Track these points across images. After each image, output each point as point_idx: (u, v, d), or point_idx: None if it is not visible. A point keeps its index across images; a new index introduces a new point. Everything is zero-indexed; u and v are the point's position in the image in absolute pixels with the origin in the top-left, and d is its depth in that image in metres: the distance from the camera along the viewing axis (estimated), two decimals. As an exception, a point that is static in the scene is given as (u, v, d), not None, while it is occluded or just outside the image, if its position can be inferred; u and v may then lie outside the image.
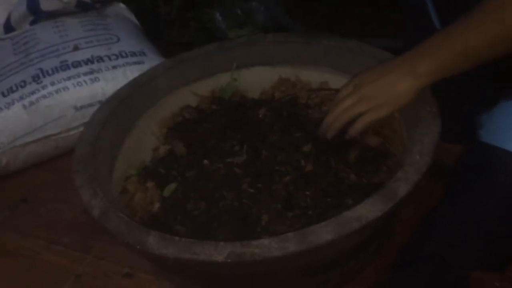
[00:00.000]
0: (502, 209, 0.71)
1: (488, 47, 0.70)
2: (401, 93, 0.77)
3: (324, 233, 0.69)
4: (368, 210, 0.71)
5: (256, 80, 1.13)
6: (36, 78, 1.29)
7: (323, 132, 0.88)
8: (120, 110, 0.99)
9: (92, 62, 1.33)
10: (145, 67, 1.27)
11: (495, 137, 0.71)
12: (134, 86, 1.04)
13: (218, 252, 0.69)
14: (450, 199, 0.77)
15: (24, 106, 1.26)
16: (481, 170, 0.72)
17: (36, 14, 1.42)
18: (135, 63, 1.35)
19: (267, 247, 0.68)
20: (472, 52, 0.71)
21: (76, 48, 1.35)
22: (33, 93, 1.27)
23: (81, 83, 1.30)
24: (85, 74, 1.31)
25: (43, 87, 1.28)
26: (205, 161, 0.96)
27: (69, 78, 1.30)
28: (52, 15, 1.44)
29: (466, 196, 0.74)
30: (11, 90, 1.28)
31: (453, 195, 0.76)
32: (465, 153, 0.81)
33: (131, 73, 1.31)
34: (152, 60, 1.35)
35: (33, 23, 1.45)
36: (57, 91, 1.28)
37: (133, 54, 1.37)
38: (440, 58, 0.74)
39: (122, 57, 1.35)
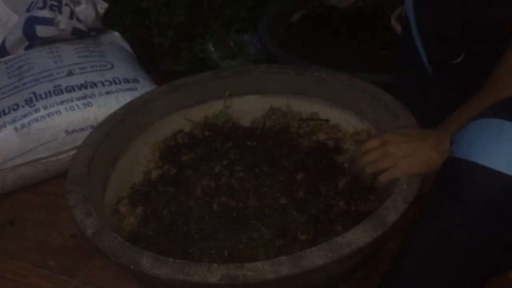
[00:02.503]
0: (475, 221, 0.72)
1: None
2: (423, 162, 0.83)
3: (316, 257, 0.71)
4: (358, 236, 0.73)
5: (248, 108, 1.16)
6: (29, 102, 1.30)
7: (353, 174, 0.95)
8: (115, 132, 1.00)
9: (86, 87, 1.35)
10: (137, 94, 1.29)
11: (465, 151, 0.73)
12: (129, 109, 1.06)
13: (212, 274, 0.70)
14: (425, 214, 0.78)
15: (16, 129, 1.27)
16: (453, 183, 0.74)
17: (31, 39, 1.44)
18: (128, 89, 1.37)
19: (260, 270, 0.69)
20: None
21: (70, 73, 1.37)
22: (25, 116, 1.28)
23: (74, 108, 1.31)
24: (78, 98, 1.33)
25: (36, 111, 1.29)
26: (197, 188, 0.98)
27: (62, 102, 1.31)
28: (47, 41, 1.46)
29: (439, 210, 0.76)
30: (3, 113, 1.29)
31: (428, 209, 0.78)
32: (440, 171, 0.84)
33: (123, 99, 1.33)
34: (145, 87, 1.37)
35: (28, 48, 1.46)
36: (49, 115, 1.29)
37: (126, 81, 1.39)
38: None
39: (116, 83, 1.37)
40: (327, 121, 1.11)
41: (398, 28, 1.38)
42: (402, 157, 0.85)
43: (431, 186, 0.82)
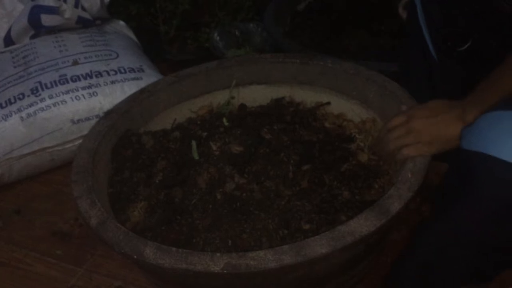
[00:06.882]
0: (487, 217, 0.71)
1: None
2: (447, 137, 0.80)
3: (318, 246, 0.70)
4: (361, 225, 0.73)
5: (253, 98, 1.15)
6: (34, 91, 1.31)
7: (374, 149, 0.94)
8: (120, 123, 1.00)
9: (91, 77, 1.35)
10: (143, 83, 1.29)
11: (479, 144, 0.71)
12: (134, 100, 1.05)
13: (215, 263, 0.70)
14: (436, 209, 0.78)
15: (22, 118, 1.27)
16: (466, 176, 0.73)
17: (37, 28, 1.44)
18: (133, 79, 1.37)
19: (263, 259, 0.69)
20: None
21: (75, 63, 1.37)
22: (31, 105, 1.29)
23: (79, 97, 1.32)
24: (84, 88, 1.33)
25: (41, 100, 1.30)
26: (201, 178, 0.97)
27: (67, 92, 1.31)
28: (52, 30, 1.46)
29: (450, 205, 0.75)
30: (9, 102, 1.30)
31: (439, 204, 0.78)
32: (450, 165, 0.82)
33: (129, 88, 1.33)
34: (150, 77, 1.37)
35: (33, 37, 1.47)
36: (55, 104, 1.30)
37: (132, 70, 1.39)
38: (486, 105, 0.75)
39: (121, 72, 1.37)
40: (328, 103, 1.11)
41: (405, 16, 1.37)
42: (426, 133, 0.82)
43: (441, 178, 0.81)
